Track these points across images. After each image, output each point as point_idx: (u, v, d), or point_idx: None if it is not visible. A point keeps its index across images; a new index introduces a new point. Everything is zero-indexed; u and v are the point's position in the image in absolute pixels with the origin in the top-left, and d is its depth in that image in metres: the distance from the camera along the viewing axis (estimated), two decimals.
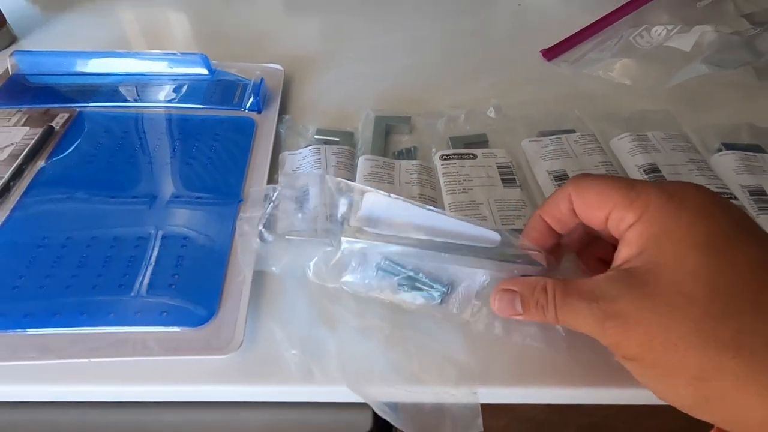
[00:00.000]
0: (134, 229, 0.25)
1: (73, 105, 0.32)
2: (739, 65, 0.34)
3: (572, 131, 0.32)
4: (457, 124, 0.33)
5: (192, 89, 0.34)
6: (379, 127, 0.32)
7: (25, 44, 0.44)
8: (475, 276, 0.22)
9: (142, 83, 0.34)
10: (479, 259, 0.22)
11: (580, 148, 0.31)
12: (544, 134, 0.32)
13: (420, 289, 0.22)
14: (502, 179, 0.29)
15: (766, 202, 0.27)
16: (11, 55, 0.34)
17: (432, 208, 0.22)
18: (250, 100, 0.33)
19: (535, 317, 0.19)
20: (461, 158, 0.30)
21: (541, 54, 0.41)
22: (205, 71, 0.35)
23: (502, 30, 0.46)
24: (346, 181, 0.23)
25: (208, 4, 0.49)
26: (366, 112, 0.34)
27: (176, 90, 0.34)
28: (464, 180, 0.29)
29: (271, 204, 0.24)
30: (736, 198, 0.28)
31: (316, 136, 0.32)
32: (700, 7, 0.44)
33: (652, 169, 0.29)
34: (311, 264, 0.23)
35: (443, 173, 0.29)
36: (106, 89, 0.34)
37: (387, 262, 0.23)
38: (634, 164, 0.30)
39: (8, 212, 0.25)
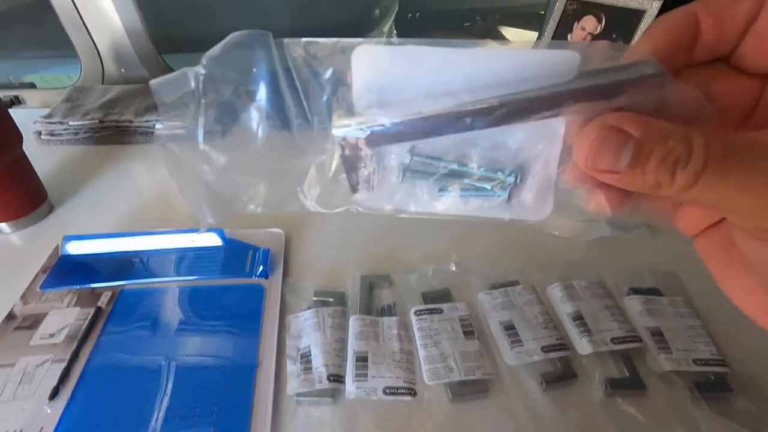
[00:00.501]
0: (158, 399, 0.31)
1: (114, 283, 0.39)
2: (635, 228, 0.44)
3: (516, 283, 0.41)
4: (426, 279, 0.42)
5: (211, 260, 0.42)
6: (365, 285, 0.41)
7: (60, 212, 0.52)
8: (555, 144, 0.15)
9: (170, 257, 0.42)
10: (558, 94, 0.13)
11: (522, 299, 0.39)
12: (495, 287, 0.41)
13: (474, 188, 0.16)
14: (463, 332, 0.37)
15: (665, 342, 0.36)
16: (63, 239, 0.42)
17: (460, 44, 0.15)
18: (260, 268, 0.41)
19: (651, 182, 0.12)
20: (431, 313, 0.38)
21: None
22: (220, 242, 0.44)
23: None
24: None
25: None
26: (353, 272, 0.42)
27: (198, 262, 0.42)
28: (434, 334, 0.36)
29: None
30: (641, 340, 0.36)
31: (314, 298, 0.40)
32: None
33: (578, 317, 0.37)
34: (304, 188, 0.18)
35: (417, 328, 0.37)
36: (141, 265, 0.41)
37: (415, 158, 0.16)
38: (564, 312, 0.38)
39: (70, 393, 0.31)
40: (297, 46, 0.16)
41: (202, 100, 0.17)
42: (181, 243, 0.43)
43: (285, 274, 0.42)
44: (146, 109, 0.65)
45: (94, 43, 0.76)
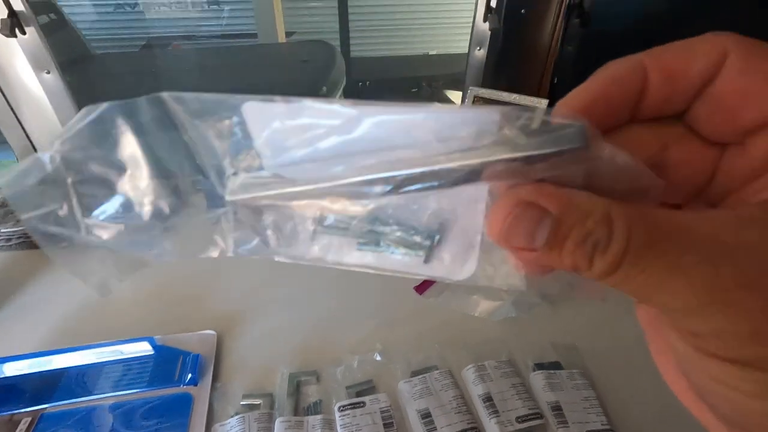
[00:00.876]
0: None
1: (35, 407, 0.39)
2: (535, 306, 0.50)
3: (435, 368, 0.44)
4: (351, 371, 0.44)
5: (140, 371, 0.43)
6: (292, 384, 0.43)
7: None
8: (478, 202, 0.15)
9: (97, 371, 0.43)
10: (469, 169, 0.12)
11: (439, 385, 0.42)
12: (415, 374, 0.44)
13: (390, 245, 0.15)
14: (383, 424, 0.39)
15: (563, 416, 0.40)
16: None
17: (368, 103, 0.14)
18: (188, 376, 0.42)
19: (568, 263, 0.12)
20: (354, 407, 0.40)
21: (414, 289, 0.56)
22: (151, 350, 0.45)
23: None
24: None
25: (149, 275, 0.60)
26: (281, 370, 0.44)
27: (127, 374, 0.42)
28: (356, 429, 0.39)
29: None
30: (543, 416, 0.40)
31: (242, 402, 0.41)
32: None
33: (488, 398, 0.41)
34: (217, 238, 0.16)
35: (341, 425, 0.39)
36: (66, 382, 0.41)
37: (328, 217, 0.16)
38: (476, 394, 0.42)
39: None
40: (178, 104, 0.15)
41: (68, 179, 0.16)
42: (110, 356, 0.44)
43: (215, 379, 0.43)
44: None
45: (33, 146, 0.78)
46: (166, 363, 0.44)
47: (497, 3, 0.74)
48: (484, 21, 0.76)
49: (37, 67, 0.70)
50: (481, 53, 0.80)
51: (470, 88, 0.76)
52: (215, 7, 3.70)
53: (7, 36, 0.64)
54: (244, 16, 3.66)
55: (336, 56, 2.27)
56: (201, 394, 0.41)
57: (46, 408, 0.39)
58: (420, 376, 0.43)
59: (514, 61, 0.81)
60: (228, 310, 0.53)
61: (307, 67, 2.20)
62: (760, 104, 0.11)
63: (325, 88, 1.87)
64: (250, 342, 0.49)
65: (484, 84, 0.82)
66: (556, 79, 0.79)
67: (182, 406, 0.40)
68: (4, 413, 0.38)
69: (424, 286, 0.56)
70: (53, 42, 0.71)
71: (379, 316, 0.52)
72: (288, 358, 0.46)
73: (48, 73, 0.70)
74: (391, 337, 0.48)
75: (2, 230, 0.63)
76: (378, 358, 0.46)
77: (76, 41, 2.04)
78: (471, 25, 0.78)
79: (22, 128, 0.75)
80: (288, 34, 3.50)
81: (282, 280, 0.58)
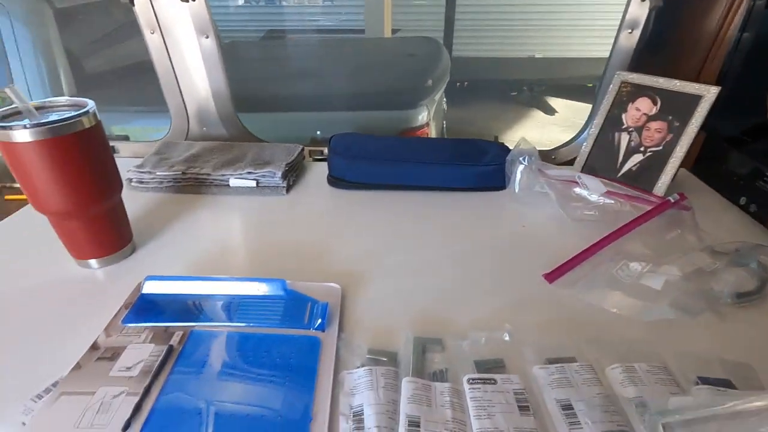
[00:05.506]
0: None
1: (185, 324, 0.42)
2: (699, 312, 0.43)
3: (573, 360, 0.40)
4: (478, 346, 0.42)
5: (272, 310, 0.44)
6: (418, 348, 0.41)
7: (142, 252, 0.57)
8: None
9: (236, 303, 0.45)
10: None
11: (579, 378, 0.38)
12: (550, 361, 0.40)
13: None
14: (518, 406, 0.36)
15: None
16: (145, 279, 0.47)
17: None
18: (318, 321, 0.43)
19: None
20: (484, 383, 0.38)
21: (543, 277, 0.51)
22: (282, 293, 0.46)
23: (510, 249, 0.57)
24: None
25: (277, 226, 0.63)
26: (405, 333, 0.43)
27: (261, 310, 0.44)
28: (488, 405, 0.36)
29: None
30: None
31: (367, 356, 0.41)
32: (668, 239, 0.55)
33: (642, 404, 0.36)
34: None
35: (470, 398, 0.37)
36: (210, 308, 0.44)
37: None
38: (626, 396, 0.37)
39: (140, 427, 0.33)
40: None
41: None
42: (247, 290, 0.46)
43: (340, 329, 0.44)
44: (222, 165, 0.72)
45: (185, 104, 0.86)
46: (296, 307, 0.45)
47: None
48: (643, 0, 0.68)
49: (200, 31, 0.77)
50: (632, 36, 0.72)
51: (617, 72, 0.69)
52: (329, 3, 3.90)
53: (183, 0, 0.72)
54: (355, 12, 3.81)
55: (442, 52, 2.26)
56: (328, 340, 0.42)
57: (194, 326, 0.42)
58: (557, 365, 0.39)
59: (670, 44, 0.72)
60: (351, 268, 0.53)
61: (414, 61, 2.21)
62: None
63: (430, 81, 1.86)
64: (372, 301, 0.48)
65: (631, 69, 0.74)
66: (726, 68, 0.68)
67: (312, 347, 0.41)
68: (161, 324, 0.42)
69: (555, 273, 0.51)
70: None
71: (505, 296, 0.49)
72: (410, 323, 0.45)
73: (207, 37, 0.78)
74: (519, 320, 0.45)
75: (157, 173, 0.70)
76: (506, 338, 0.43)
77: None
78: (625, 5, 0.71)
79: (179, 87, 0.84)
80: (393, 30, 3.57)
81: (405, 247, 0.57)
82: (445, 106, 2.17)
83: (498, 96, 3.97)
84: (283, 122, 1.56)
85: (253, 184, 0.70)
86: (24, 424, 0.34)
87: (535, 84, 4.09)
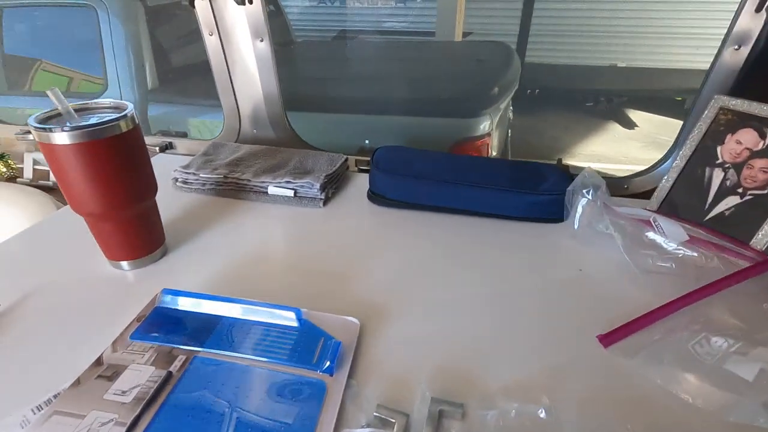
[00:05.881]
0: None
1: (190, 348, 0.40)
2: None
3: None
4: (507, 420, 0.35)
5: (282, 342, 0.41)
6: (433, 412, 0.36)
7: (172, 257, 0.57)
8: None
9: (246, 329, 0.42)
10: None
11: None
12: None
13: None
14: None
15: None
16: (162, 291, 0.45)
17: None
18: (327, 363, 0.39)
19: None
20: None
21: (597, 339, 0.43)
22: (296, 324, 0.43)
23: (560, 298, 0.49)
24: None
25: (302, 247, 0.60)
26: (423, 390, 0.37)
27: (270, 341, 0.41)
28: None
29: None
30: None
31: (375, 413, 0.36)
32: (766, 309, 0.44)
33: None
34: None
35: None
36: (219, 331, 0.42)
37: None
38: None
39: None
40: None
41: None
42: (260, 317, 0.43)
43: (351, 374, 0.39)
44: (264, 171, 0.71)
45: (237, 105, 0.87)
46: (308, 341, 0.41)
47: None
48: (758, 10, 0.57)
49: (255, 35, 0.76)
50: (739, 53, 0.60)
51: (716, 96, 0.58)
52: (401, 5, 3.88)
53: (239, 4, 0.71)
54: (426, 15, 3.77)
55: (513, 58, 2.14)
56: (335, 387, 0.37)
57: (199, 351, 0.40)
58: None
59: None
60: (375, 299, 0.49)
61: (482, 67, 2.12)
62: None
63: (497, 89, 1.77)
64: (392, 342, 0.43)
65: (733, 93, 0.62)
66: None
67: (316, 394, 0.37)
68: (167, 344, 0.40)
69: (612, 336, 0.43)
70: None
71: (547, 357, 0.42)
72: (430, 376, 0.39)
73: (261, 41, 0.77)
74: (560, 390, 0.38)
75: (201, 175, 0.71)
76: (542, 414, 0.36)
77: (284, 29, 2.34)
78: (733, 16, 0.60)
79: (233, 89, 0.84)
80: (465, 34, 3.47)
81: (440, 280, 0.52)
82: (511, 114, 2.06)
83: (571, 106, 3.73)
84: (338, 124, 1.56)
85: (291, 193, 0.68)
86: (21, 427, 0.33)
87: (614, 94, 3.78)
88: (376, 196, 0.68)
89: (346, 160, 0.76)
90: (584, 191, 0.56)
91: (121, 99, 1.73)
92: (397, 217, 0.65)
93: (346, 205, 0.70)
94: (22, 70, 1.79)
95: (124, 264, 0.54)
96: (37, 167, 1.05)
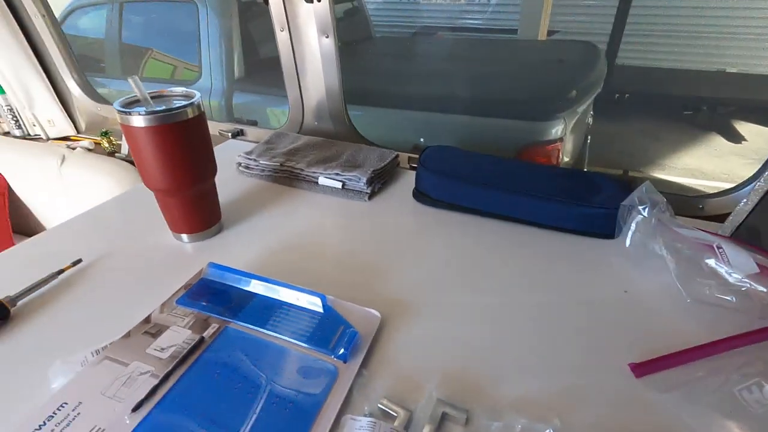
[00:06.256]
0: None
1: (224, 318, 0.44)
2: None
3: None
4: None
5: (305, 324, 0.44)
6: (436, 413, 0.36)
7: (227, 234, 0.62)
8: None
9: (275, 308, 0.45)
10: None
11: None
12: None
13: None
14: None
15: None
16: (208, 265, 0.50)
17: None
18: (341, 350, 0.40)
19: None
20: None
21: (629, 366, 0.40)
22: (320, 309, 0.45)
23: (598, 318, 0.46)
24: None
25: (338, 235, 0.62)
26: (429, 390, 0.38)
27: (294, 321, 0.44)
28: None
29: None
30: None
31: (379, 405, 0.37)
32: None
33: None
34: None
35: None
36: (250, 307, 0.45)
37: None
38: None
39: (147, 411, 0.35)
40: None
41: None
42: (289, 298, 0.46)
43: (363, 364, 0.41)
44: (317, 162, 0.74)
45: (302, 98, 0.92)
46: (328, 327, 0.43)
47: None
48: None
49: (321, 31, 0.80)
50: None
51: None
52: (485, 1, 3.78)
53: (308, 2, 0.75)
54: (508, 11, 3.63)
55: (598, 60, 2.00)
56: (346, 374, 0.39)
57: (230, 323, 0.43)
58: None
59: None
60: (403, 296, 0.49)
61: (562, 67, 2.00)
62: None
63: (575, 92, 1.66)
64: (410, 339, 0.44)
65: None
66: None
67: (327, 377, 0.39)
68: (204, 312, 0.44)
69: (647, 366, 0.40)
70: (348, 24, 0.80)
71: (570, 376, 0.40)
72: (439, 377, 0.39)
73: (327, 37, 0.80)
74: (575, 413, 0.36)
75: (261, 162, 0.76)
76: None
77: (364, 24, 2.40)
78: None
79: (299, 82, 0.89)
80: (550, 32, 3.29)
81: (475, 285, 0.51)
82: (590, 119, 1.93)
83: (666, 114, 3.38)
84: (403, 120, 1.57)
85: (339, 185, 0.71)
86: (81, 366, 0.39)
87: (720, 103, 3.36)
88: (420, 194, 0.68)
89: (397, 156, 0.77)
90: (640, 207, 0.51)
91: (212, 87, 1.89)
92: (439, 218, 0.65)
93: (391, 200, 0.71)
94: (136, 58, 2.03)
95: (184, 236, 0.60)
96: None
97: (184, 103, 0.52)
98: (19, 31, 1.13)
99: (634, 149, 2.93)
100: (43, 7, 1.10)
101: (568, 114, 1.57)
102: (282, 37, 0.84)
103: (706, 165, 2.80)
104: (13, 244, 0.60)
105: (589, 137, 1.94)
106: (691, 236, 0.48)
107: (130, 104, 0.53)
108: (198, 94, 0.53)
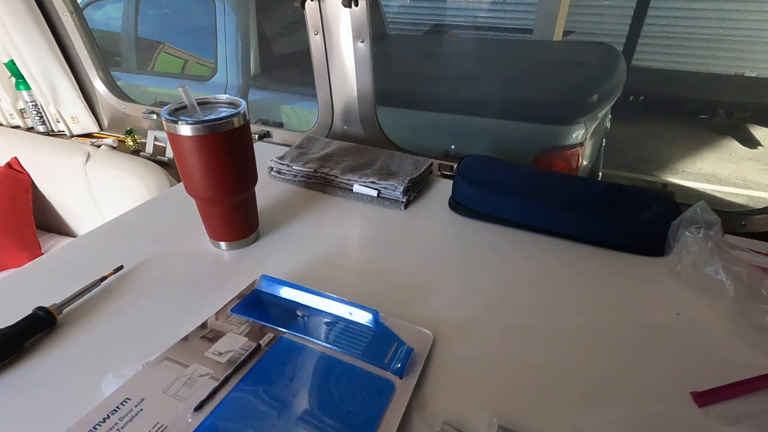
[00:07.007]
0: None
1: (279, 328, 0.44)
2: None
3: None
4: None
5: (358, 338, 0.43)
6: None
7: (264, 242, 0.62)
8: None
9: (327, 321, 0.45)
10: None
11: None
12: None
13: None
14: None
15: None
16: (261, 277, 0.50)
17: None
18: (398, 365, 0.40)
19: None
20: None
21: (691, 395, 0.39)
22: (372, 325, 0.45)
23: (651, 341, 0.46)
24: None
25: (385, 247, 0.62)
26: (490, 416, 0.37)
27: (347, 336, 0.43)
28: None
29: None
30: None
31: (440, 430, 0.36)
32: None
33: None
34: None
35: None
36: (303, 319, 0.45)
37: None
38: None
39: (210, 410, 0.35)
40: None
41: None
42: (341, 312, 0.46)
43: (419, 383, 0.40)
44: (351, 169, 0.74)
45: (332, 102, 0.91)
46: (382, 343, 0.43)
47: None
48: None
49: (356, 36, 0.79)
50: None
51: None
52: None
53: (345, 6, 0.74)
54: (524, 10, 3.60)
55: (618, 62, 1.98)
56: (403, 390, 0.39)
57: (285, 333, 0.43)
58: None
59: None
60: (450, 314, 0.49)
61: (581, 70, 1.98)
62: None
63: (596, 96, 1.64)
64: (464, 360, 0.43)
65: None
66: None
67: (384, 392, 0.38)
68: (259, 321, 0.44)
69: (710, 396, 0.39)
70: None
71: (630, 407, 0.39)
72: (500, 403, 0.39)
73: (362, 42, 0.79)
74: None
75: (294, 167, 0.75)
76: None
77: (379, 21, 2.38)
78: None
79: (330, 86, 0.88)
80: (566, 33, 3.26)
81: (519, 304, 0.51)
82: (608, 123, 1.91)
83: (681, 117, 3.35)
84: (422, 121, 1.55)
85: (374, 193, 0.70)
86: (137, 369, 0.39)
87: (737, 107, 3.32)
88: (457, 205, 0.68)
89: (431, 165, 0.77)
90: (694, 227, 0.50)
91: (227, 83, 1.89)
92: (477, 229, 0.65)
93: (426, 210, 0.70)
94: (149, 52, 2.03)
95: (223, 244, 0.59)
96: (156, 143, 1.19)
97: (230, 112, 0.51)
98: (47, 28, 1.13)
99: (649, 153, 2.91)
100: (72, 5, 1.09)
101: (590, 119, 1.55)
102: (316, 40, 0.83)
103: (721, 170, 2.77)
104: (37, 241, 0.60)
105: (604, 141, 1.92)
106: (749, 259, 0.47)
107: (176, 111, 0.52)
108: (244, 103, 0.53)
